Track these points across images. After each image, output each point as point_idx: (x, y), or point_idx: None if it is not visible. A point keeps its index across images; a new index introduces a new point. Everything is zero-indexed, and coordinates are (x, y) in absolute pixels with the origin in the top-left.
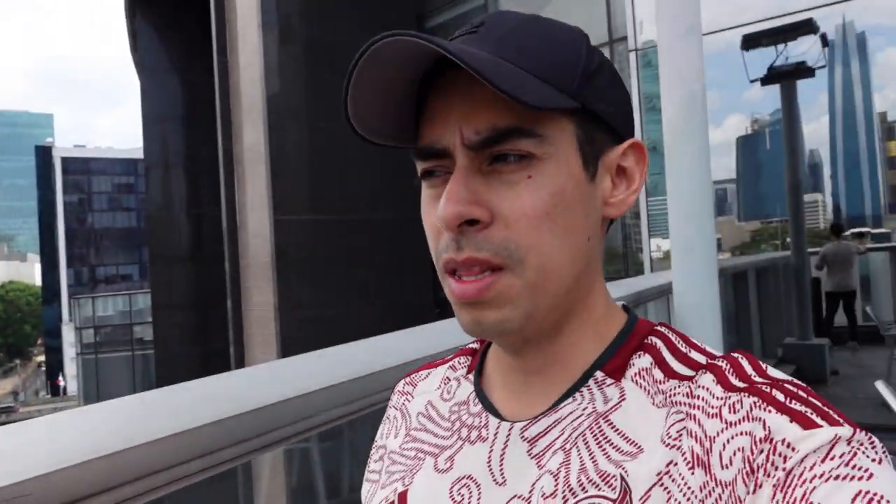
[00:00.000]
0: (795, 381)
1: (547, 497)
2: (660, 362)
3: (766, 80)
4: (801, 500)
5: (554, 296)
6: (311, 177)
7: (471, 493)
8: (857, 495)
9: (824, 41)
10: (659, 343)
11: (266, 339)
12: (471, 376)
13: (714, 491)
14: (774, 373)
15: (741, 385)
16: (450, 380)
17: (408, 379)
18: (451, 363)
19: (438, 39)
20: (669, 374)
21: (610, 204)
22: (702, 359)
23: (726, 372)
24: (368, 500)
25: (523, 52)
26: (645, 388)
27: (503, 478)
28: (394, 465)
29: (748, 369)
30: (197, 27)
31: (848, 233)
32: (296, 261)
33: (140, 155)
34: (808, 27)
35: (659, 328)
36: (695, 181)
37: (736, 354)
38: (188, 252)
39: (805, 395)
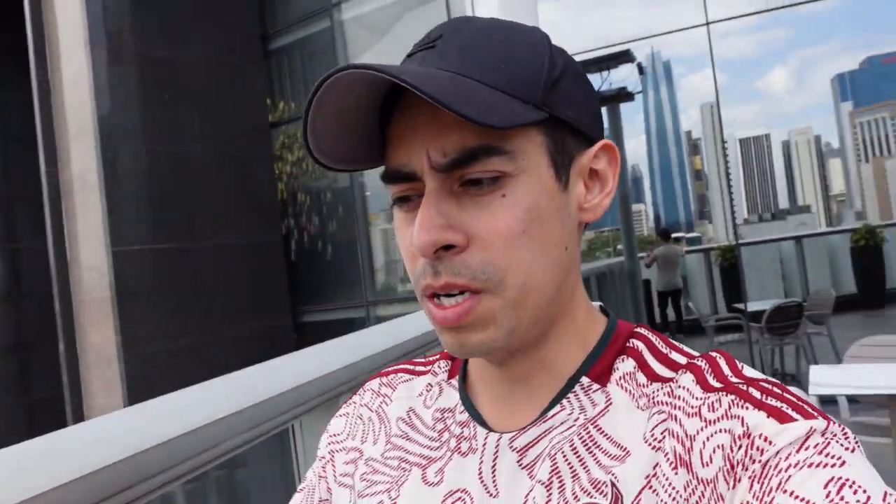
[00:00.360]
0: (770, 378)
1: None
2: (642, 365)
3: None
4: (777, 488)
5: (535, 309)
6: (150, 203)
7: None
8: (829, 481)
9: (640, 69)
10: (641, 346)
11: (108, 381)
12: (454, 382)
13: (697, 489)
14: (750, 372)
15: (719, 385)
16: (431, 385)
17: (384, 379)
18: (431, 369)
19: (391, 67)
20: (652, 377)
21: (585, 209)
22: (682, 359)
23: (705, 372)
24: None
25: (485, 65)
26: (630, 392)
27: (496, 490)
28: (375, 475)
29: (725, 369)
30: (2, 43)
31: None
32: (138, 294)
33: None
34: (626, 57)
35: (639, 330)
36: None
37: (714, 354)
38: (4, 292)
39: (780, 392)
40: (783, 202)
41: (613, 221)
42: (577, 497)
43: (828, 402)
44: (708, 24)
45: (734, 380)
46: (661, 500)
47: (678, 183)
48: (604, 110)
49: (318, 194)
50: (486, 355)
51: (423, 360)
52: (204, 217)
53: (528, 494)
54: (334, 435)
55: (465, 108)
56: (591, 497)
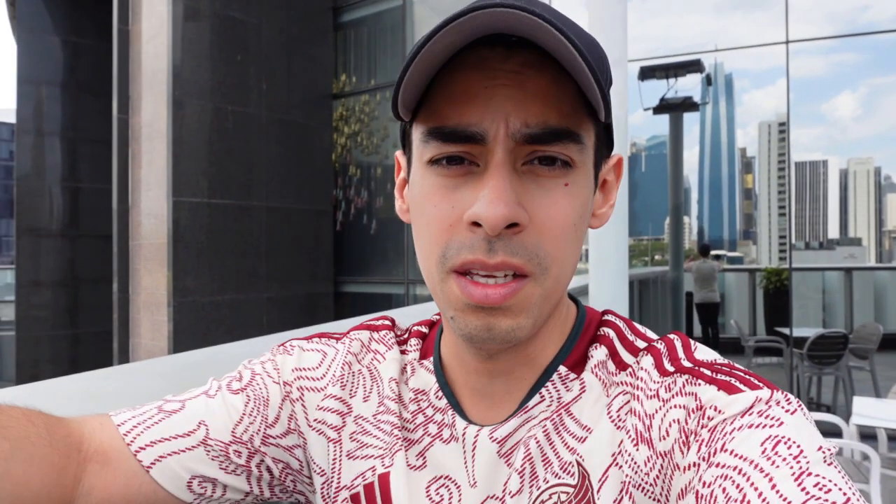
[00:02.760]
0: (720, 358)
1: (514, 495)
2: (613, 353)
3: (657, 110)
4: (721, 450)
5: (554, 303)
6: (212, 159)
7: (450, 493)
8: (766, 439)
9: (709, 80)
10: (611, 333)
11: (156, 324)
12: (427, 363)
13: (657, 463)
14: (702, 354)
15: (673, 369)
16: (405, 363)
17: (376, 335)
18: (405, 346)
19: (548, 16)
20: (620, 365)
21: (596, 216)
22: (642, 344)
23: (663, 355)
24: (325, 459)
25: (578, 35)
26: (602, 380)
27: (474, 479)
28: (366, 436)
29: (680, 351)
30: None
31: (711, 253)
32: (191, 245)
33: None
34: (696, 67)
35: (608, 317)
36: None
37: (672, 336)
38: (60, 227)
39: (729, 369)
40: (833, 232)
41: (655, 231)
42: (547, 481)
43: (867, 435)
44: (788, 42)
45: (687, 364)
46: (626, 475)
47: (726, 199)
48: (666, 118)
49: (369, 169)
50: (504, 343)
51: (401, 330)
52: (260, 178)
53: (506, 483)
54: (305, 369)
55: (600, 86)
56: (559, 479)
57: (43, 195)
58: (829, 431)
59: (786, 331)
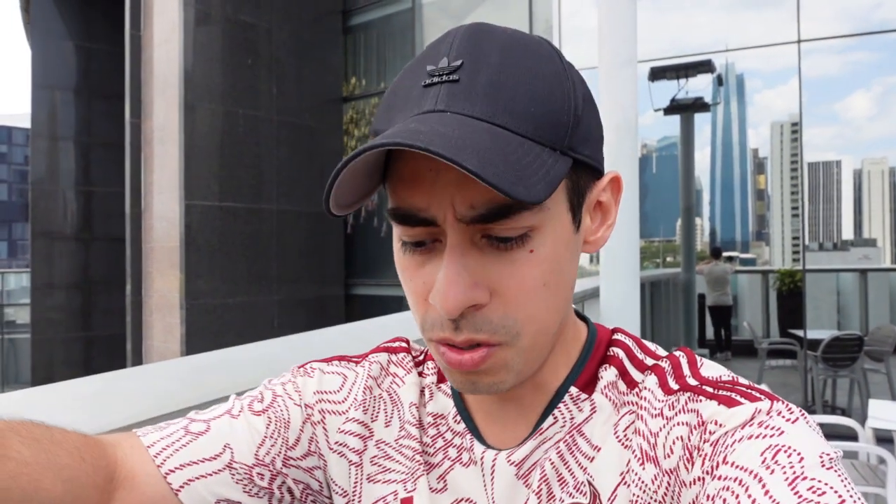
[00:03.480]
0: (724, 374)
1: None
2: (623, 373)
3: (668, 111)
4: (723, 462)
5: (542, 349)
6: (223, 162)
7: None
8: (766, 449)
9: (720, 81)
10: (621, 353)
11: (168, 327)
12: (445, 387)
13: (663, 481)
14: (707, 371)
15: (677, 387)
16: (423, 386)
17: (394, 357)
18: (422, 368)
19: (425, 136)
20: (630, 384)
21: (589, 242)
22: (651, 361)
23: (667, 374)
24: (347, 480)
25: (514, 109)
26: (612, 400)
27: (494, 502)
28: (388, 461)
29: (685, 369)
30: None
31: (723, 255)
32: (203, 248)
33: (11, 122)
34: (707, 67)
35: (617, 336)
36: (625, 199)
37: (678, 353)
38: (75, 230)
39: (731, 384)
40: (847, 233)
41: (667, 232)
42: (562, 500)
43: (884, 438)
44: (800, 41)
45: (691, 381)
46: (634, 494)
47: (738, 200)
48: (677, 119)
49: None
50: (494, 394)
51: (417, 351)
52: (271, 181)
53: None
54: (327, 392)
55: (511, 187)
56: (573, 498)
57: (57, 199)
58: (845, 435)
59: (800, 333)
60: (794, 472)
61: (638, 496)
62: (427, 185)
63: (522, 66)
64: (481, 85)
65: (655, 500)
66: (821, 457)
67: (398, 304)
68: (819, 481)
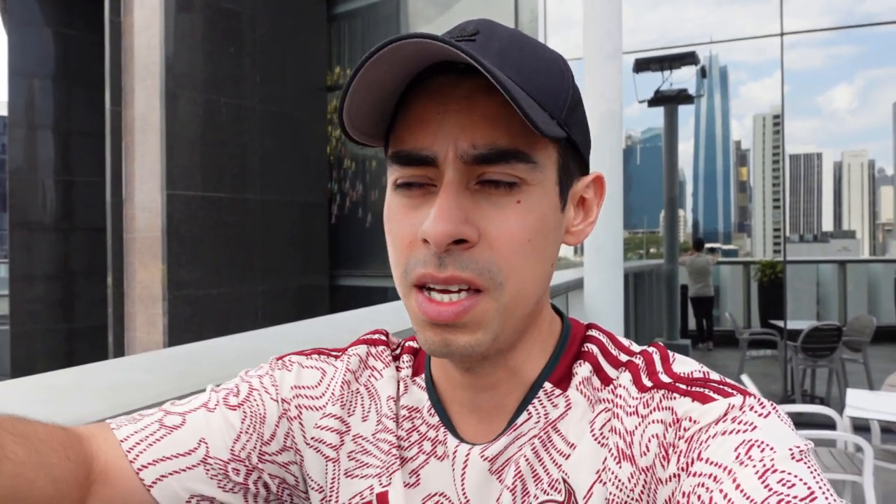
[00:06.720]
0: (696, 370)
1: None
2: (597, 370)
3: (652, 102)
4: (698, 459)
5: (519, 318)
6: (205, 151)
7: None
8: (739, 444)
9: (703, 73)
10: (595, 350)
11: (151, 318)
12: (420, 380)
13: (640, 479)
14: (680, 366)
15: (650, 384)
16: (399, 379)
17: (373, 350)
18: (399, 362)
19: (464, 47)
20: (605, 381)
21: (570, 232)
22: (625, 357)
23: (641, 371)
24: (323, 476)
25: (521, 70)
26: (587, 396)
27: (466, 497)
28: (365, 455)
29: (658, 365)
30: None
31: (705, 247)
32: (185, 238)
33: None
34: (691, 59)
35: (591, 332)
36: (610, 191)
37: (651, 349)
38: (54, 220)
39: (703, 380)
40: (827, 224)
41: (650, 224)
42: (536, 497)
43: (861, 427)
44: (783, 34)
45: (664, 378)
46: (610, 492)
47: (721, 192)
48: (661, 111)
49: (364, 161)
50: (465, 358)
51: (395, 344)
52: (254, 171)
53: (497, 499)
54: (304, 387)
55: (537, 115)
56: (547, 495)
57: (36, 189)
58: (823, 423)
59: (780, 323)
60: (765, 466)
61: (615, 494)
62: (433, 126)
63: (528, 46)
64: (494, 47)
65: (632, 498)
66: (791, 450)
67: (383, 295)
68: (789, 474)
